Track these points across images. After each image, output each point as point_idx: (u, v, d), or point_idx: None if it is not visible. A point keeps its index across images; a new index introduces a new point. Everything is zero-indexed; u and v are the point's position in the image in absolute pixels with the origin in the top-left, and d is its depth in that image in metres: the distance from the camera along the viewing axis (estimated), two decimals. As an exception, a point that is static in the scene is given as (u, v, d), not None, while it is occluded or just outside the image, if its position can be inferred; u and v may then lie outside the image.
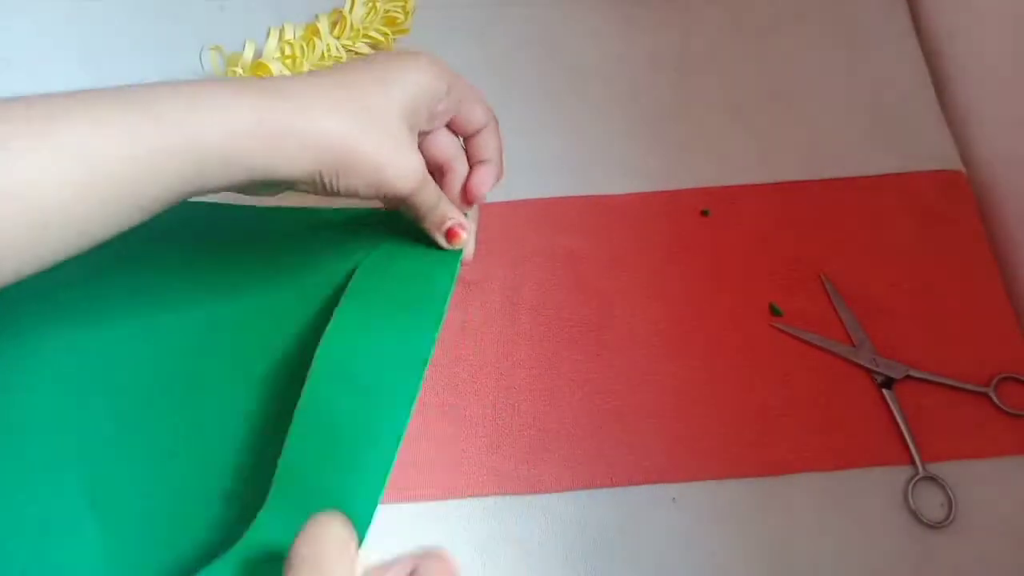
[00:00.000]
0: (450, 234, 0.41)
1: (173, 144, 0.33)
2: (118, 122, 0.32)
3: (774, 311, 0.47)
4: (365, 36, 0.55)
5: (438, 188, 0.41)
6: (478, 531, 0.42)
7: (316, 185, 0.36)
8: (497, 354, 0.46)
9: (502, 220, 0.50)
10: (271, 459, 0.36)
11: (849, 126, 0.53)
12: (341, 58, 0.54)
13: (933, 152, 0.52)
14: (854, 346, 0.46)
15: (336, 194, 0.36)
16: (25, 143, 0.30)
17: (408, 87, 0.38)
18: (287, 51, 0.52)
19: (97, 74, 0.54)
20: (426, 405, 0.44)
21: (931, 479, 0.43)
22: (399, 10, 0.55)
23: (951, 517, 0.42)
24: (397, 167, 0.37)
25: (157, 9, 0.57)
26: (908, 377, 0.45)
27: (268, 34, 0.52)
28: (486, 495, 0.42)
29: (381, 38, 0.55)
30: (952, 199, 0.50)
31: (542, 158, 0.52)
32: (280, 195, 0.39)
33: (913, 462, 0.43)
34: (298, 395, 0.37)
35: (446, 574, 0.30)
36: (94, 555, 0.38)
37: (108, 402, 0.41)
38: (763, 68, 0.55)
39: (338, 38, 0.54)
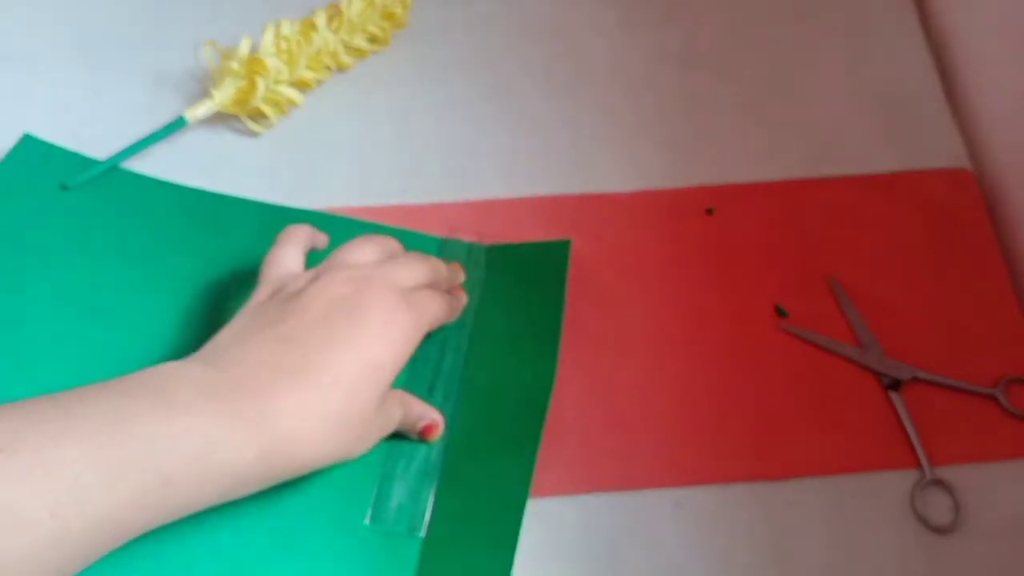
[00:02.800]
0: (426, 431, 0.41)
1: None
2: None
3: (780, 312, 0.47)
4: (363, 31, 0.54)
5: (402, 400, 0.41)
6: (478, 536, 0.41)
7: None
8: (497, 355, 0.45)
9: (505, 217, 0.49)
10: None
11: (856, 124, 0.53)
12: (338, 53, 0.53)
13: (941, 150, 0.52)
14: (861, 347, 0.46)
15: None
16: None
17: (384, 375, 0.37)
18: (283, 46, 0.51)
19: (93, 70, 0.54)
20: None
21: (938, 483, 0.42)
22: (397, 4, 0.55)
23: (958, 521, 0.41)
24: (364, 450, 0.38)
25: (153, 4, 0.57)
26: (915, 379, 0.44)
27: (265, 29, 0.51)
28: (486, 499, 0.42)
29: (379, 32, 0.55)
30: (960, 198, 0.50)
31: (545, 155, 0.52)
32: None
33: (920, 465, 0.42)
34: None
35: None
36: None
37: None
38: (769, 65, 0.55)
39: (335, 33, 0.53)
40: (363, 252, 0.41)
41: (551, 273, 0.46)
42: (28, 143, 0.50)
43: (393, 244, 0.43)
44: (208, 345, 0.37)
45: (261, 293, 0.39)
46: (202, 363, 0.35)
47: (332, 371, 0.35)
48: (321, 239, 0.45)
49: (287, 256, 0.41)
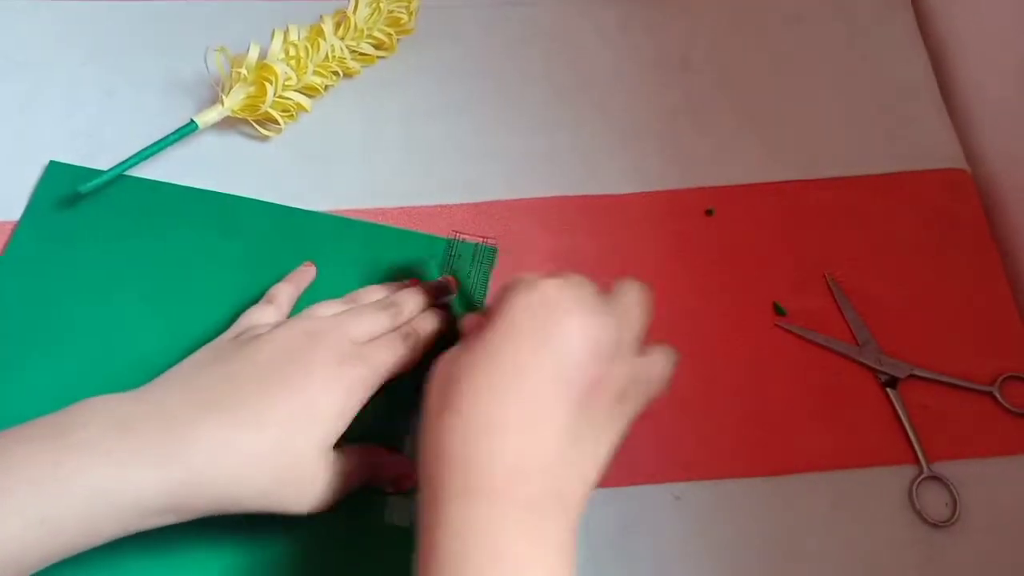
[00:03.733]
0: (398, 484, 0.41)
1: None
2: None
3: (778, 310, 0.47)
4: (369, 36, 0.55)
5: (369, 457, 0.40)
6: (482, 530, 0.42)
7: None
8: (501, 353, 0.46)
9: (506, 219, 0.50)
10: None
11: (853, 125, 0.53)
12: (345, 59, 0.54)
13: (938, 151, 0.52)
14: (858, 345, 0.46)
15: None
16: None
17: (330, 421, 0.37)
18: (291, 52, 0.52)
19: (102, 75, 0.55)
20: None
21: (936, 478, 0.43)
22: (403, 10, 0.55)
23: (955, 516, 0.42)
24: (310, 504, 0.37)
25: (162, 9, 0.57)
26: (912, 376, 0.45)
27: (272, 35, 0.52)
28: (490, 494, 0.42)
29: (385, 38, 0.55)
30: (957, 198, 0.50)
31: (546, 157, 0.52)
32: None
33: (917, 461, 0.43)
34: None
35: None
36: None
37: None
38: (768, 67, 0.55)
39: (342, 39, 0.54)
40: (329, 306, 0.42)
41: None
42: (53, 169, 0.51)
43: (370, 294, 0.44)
44: (160, 376, 0.38)
45: (227, 334, 0.41)
46: (133, 396, 0.37)
47: (264, 414, 0.36)
48: (307, 278, 0.46)
49: (264, 313, 0.43)
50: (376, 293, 0.44)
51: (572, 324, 0.34)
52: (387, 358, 0.39)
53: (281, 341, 0.38)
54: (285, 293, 0.44)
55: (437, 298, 0.45)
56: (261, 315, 0.42)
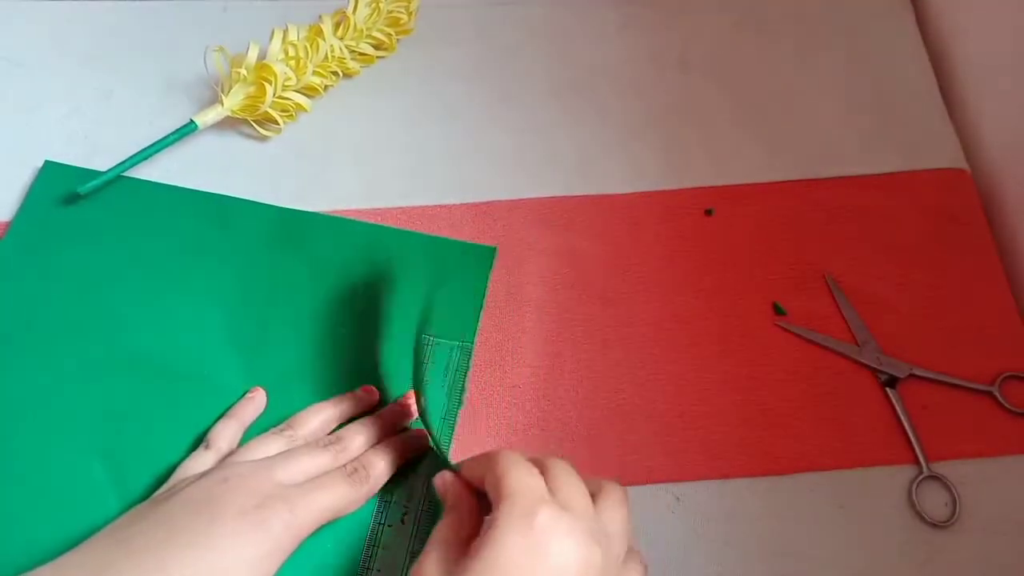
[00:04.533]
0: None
1: None
2: None
3: (778, 310, 0.47)
4: (368, 36, 0.55)
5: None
6: (482, 530, 0.42)
7: None
8: (500, 353, 0.46)
9: (506, 219, 0.50)
10: None
11: (853, 125, 0.53)
12: (344, 59, 0.54)
13: (938, 150, 0.52)
14: (858, 345, 0.46)
15: None
16: None
17: None
18: (291, 52, 0.52)
19: (101, 75, 0.55)
20: (430, 405, 0.45)
21: (935, 478, 0.43)
22: (403, 10, 0.55)
23: (955, 516, 0.42)
24: None
25: (161, 10, 0.57)
26: (912, 376, 0.45)
27: (272, 35, 0.52)
28: (490, 495, 0.42)
29: (384, 38, 0.55)
30: (957, 197, 0.50)
31: (545, 157, 0.52)
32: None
33: (917, 461, 0.43)
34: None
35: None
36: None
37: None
38: (768, 66, 0.55)
39: (341, 39, 0.54)
40: (265, 443, 0.39)
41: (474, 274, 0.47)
42: (49, 169, 0.51)
43: (314, 416, 0.41)
44: (92, 536, 0.36)
45: (163, 487, 0.39)
46: (55, 566, 0.34)
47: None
48: (251, 410, 0.43)
49: (200, 461, 0.40)
50: (322, 413, 0.42)
51: (567, 569, 0.31)
52: (323, 500, 0.37)
53: (195, 492, 0.36)
54: (224, 435, 0.41)
55: (396, 427, 0.42)
56: (196, 464, 0.40)
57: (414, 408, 0.43)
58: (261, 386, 0.44)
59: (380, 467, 0.39)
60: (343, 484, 0.38)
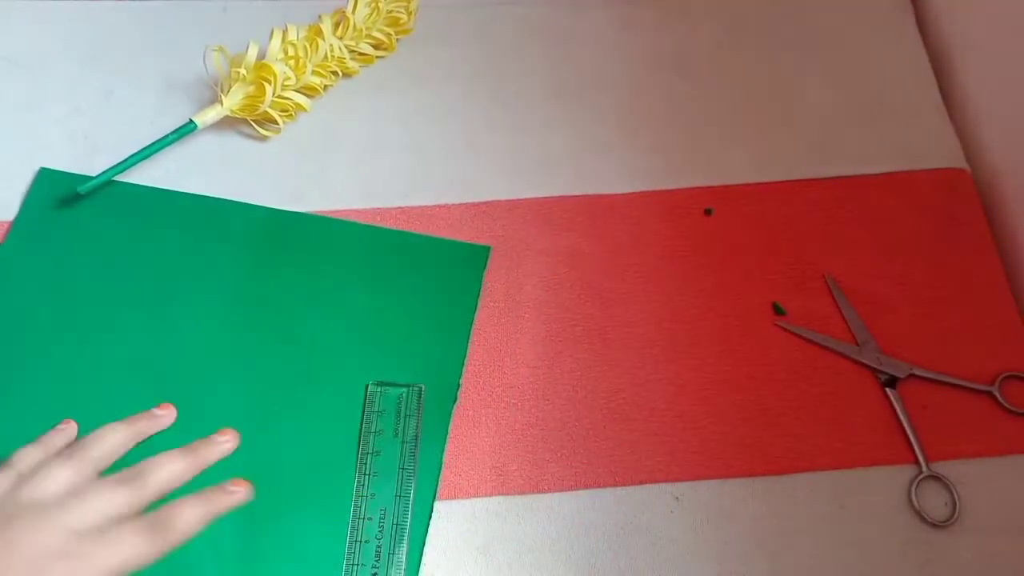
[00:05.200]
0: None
1: None
2: None
3: (777, 310, 0.47)
4: (368, 36, 0.55)
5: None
6: (480, 531, 0.42)
7: None
8: (500, 353, 0.46)
9: (505, 219, 0.50)
10: None
11: (853, 125, 0.53)
12: (344, 59, 0.54)
13: (937, 150, 0.52)
14: (858, 345, 0.46)
15: None
16: None
17: None
18: (290, 52, 0.52)
19: (101, 75, 0.55)
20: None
21: (935, 478, 0.42)
22: (402, 10, 0.55)
23: (955, 516, 0.42)
24: None
25: (161, 9, 0.57)
26: (912, 376, 0.45)
27: (271, 35, 0.52)
28: (488, 495, 0.42)
29: (384, 38, 0.55)
30: (956, 197, 0.50)
31: (544, 157, 0.52)
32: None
33: (917, 461, 0.43)
34: None
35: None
36: None
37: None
38: (767, 67, 0.55)
39: (341, 38, 0.54)
40: (54, 476, 0.34)
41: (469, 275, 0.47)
42: (45, 175, 0.51)
43: (107, 438, 0.37)
44: None
45: None
46: None
47: None
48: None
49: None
50: (115, 433, 0.37)
51: None
52: (113, 557, 0.33)
53: None
54: (27, 459, 0.36)
55: (207, 462, 0.38)
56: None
57: (233, 442, 0.40)
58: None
59: (187, 520, 0.34)
60: (139, 537, 0.33)
